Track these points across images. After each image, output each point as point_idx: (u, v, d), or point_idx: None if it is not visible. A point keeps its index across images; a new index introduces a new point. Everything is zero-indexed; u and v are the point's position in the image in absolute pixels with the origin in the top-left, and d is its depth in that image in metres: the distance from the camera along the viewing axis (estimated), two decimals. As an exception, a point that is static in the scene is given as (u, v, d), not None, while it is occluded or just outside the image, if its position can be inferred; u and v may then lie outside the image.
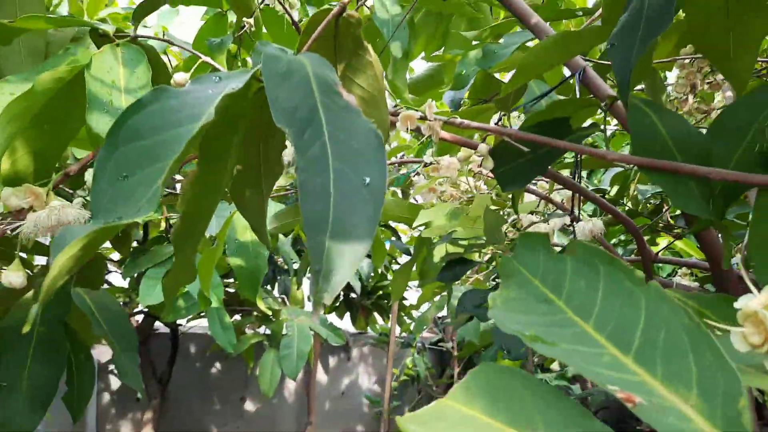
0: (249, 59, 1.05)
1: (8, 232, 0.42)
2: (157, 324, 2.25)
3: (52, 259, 0.24)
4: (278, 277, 2.09)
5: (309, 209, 0.27)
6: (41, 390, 0.56)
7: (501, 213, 0.79)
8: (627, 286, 0.26)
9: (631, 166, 0.97)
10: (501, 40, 0.78)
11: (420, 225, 0.67)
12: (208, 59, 0.50)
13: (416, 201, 1.02)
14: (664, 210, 1.36)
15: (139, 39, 0.51)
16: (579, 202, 0.66)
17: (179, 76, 0.48)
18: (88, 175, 0.43)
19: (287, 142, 0.45)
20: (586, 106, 0.55)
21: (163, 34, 1.68)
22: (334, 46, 0.40)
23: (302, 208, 0.27)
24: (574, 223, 0.66)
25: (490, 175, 0.77)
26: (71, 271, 0.25)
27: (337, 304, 2.73)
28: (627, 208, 1.32)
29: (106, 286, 1.93)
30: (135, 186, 0.27)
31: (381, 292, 2.72)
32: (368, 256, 2.02)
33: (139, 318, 2.16)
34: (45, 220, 0.41)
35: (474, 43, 1.10)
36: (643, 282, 0.26)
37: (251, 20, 0.87)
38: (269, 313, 1.77)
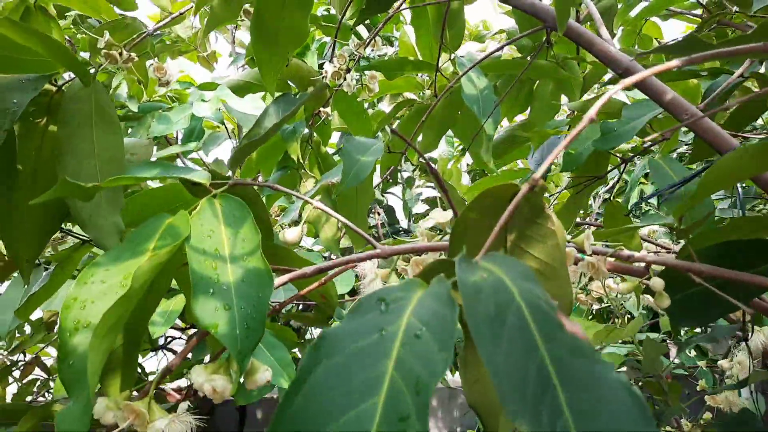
0: (314, 137, 0.99)
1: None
2: (224, 392, 2.19)
3: None
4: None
5: None
6: None
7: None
8: None
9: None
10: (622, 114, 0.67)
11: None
12: (321, 206, 0.42)
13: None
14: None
15: (237, 184, 0.44)
16: (752, 320, 0.54)
17: (290, 234, 0.40)
18: (194, 373, 0.35)
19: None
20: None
21: (219, 109, 1.66)
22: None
23: None
24: (746, 340, 0.55)
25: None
26: None
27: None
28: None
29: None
30: None
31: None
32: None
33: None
34: (151, 447, 0.33)
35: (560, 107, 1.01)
36: None
37: (327, 109, 0.81)
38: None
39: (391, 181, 2.49)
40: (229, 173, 0.44)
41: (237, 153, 0.43)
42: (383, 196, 2.39)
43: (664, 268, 0.46)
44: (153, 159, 1.70)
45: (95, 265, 0.37)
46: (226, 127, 1.92)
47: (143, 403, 0.34)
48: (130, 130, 1.57)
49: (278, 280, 0.39)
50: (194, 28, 2.13)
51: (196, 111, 1.44)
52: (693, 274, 0.40)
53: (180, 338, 2.00)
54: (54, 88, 0.51)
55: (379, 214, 2.39)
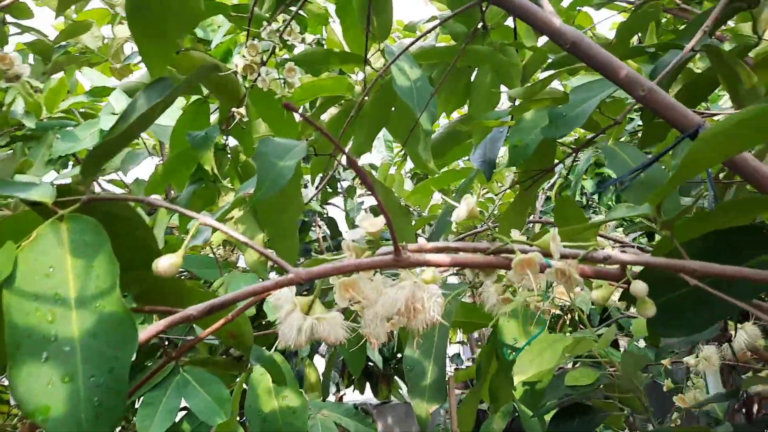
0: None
1: None
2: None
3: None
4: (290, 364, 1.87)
5: None
6: None
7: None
8: None
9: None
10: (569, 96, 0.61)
11: (525, 378, 0.48)
12: (215, 223, 0.31)
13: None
14: None
15: (96, 201, 0.32)
16: (735, 319, 0.48)
17: (163, 265, 0.29)
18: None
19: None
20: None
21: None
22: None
23: None
24: (731, 341, 0.48)
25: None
26: None
27: (354, 378, 2.51)
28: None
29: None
30: None
31: (401, 355, 2.51)
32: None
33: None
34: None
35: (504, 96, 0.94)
36: None
37: (242, 110, 0.70)
38: None
39: (331, 191, 2.38)
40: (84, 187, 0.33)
41: (89, 158, 0.32)
42: (323, 207, 2.28)
43: (641, 269, 0.39)
44: (57, 182, 1.51)
45: None
46: (145, 143, 1.76)
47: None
48: (28, 151, 1.39)
49: (149, 330, 0.28)
50: (105, 38, 1.96)
51: (104, 125, 1.28)
52: (686, 274, 0.32)
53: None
54: None
55: (320, 227, 2.28)
